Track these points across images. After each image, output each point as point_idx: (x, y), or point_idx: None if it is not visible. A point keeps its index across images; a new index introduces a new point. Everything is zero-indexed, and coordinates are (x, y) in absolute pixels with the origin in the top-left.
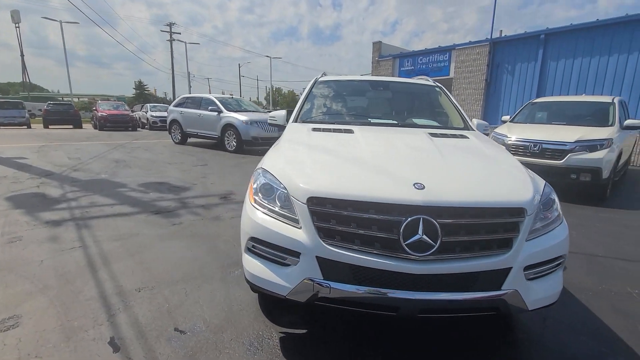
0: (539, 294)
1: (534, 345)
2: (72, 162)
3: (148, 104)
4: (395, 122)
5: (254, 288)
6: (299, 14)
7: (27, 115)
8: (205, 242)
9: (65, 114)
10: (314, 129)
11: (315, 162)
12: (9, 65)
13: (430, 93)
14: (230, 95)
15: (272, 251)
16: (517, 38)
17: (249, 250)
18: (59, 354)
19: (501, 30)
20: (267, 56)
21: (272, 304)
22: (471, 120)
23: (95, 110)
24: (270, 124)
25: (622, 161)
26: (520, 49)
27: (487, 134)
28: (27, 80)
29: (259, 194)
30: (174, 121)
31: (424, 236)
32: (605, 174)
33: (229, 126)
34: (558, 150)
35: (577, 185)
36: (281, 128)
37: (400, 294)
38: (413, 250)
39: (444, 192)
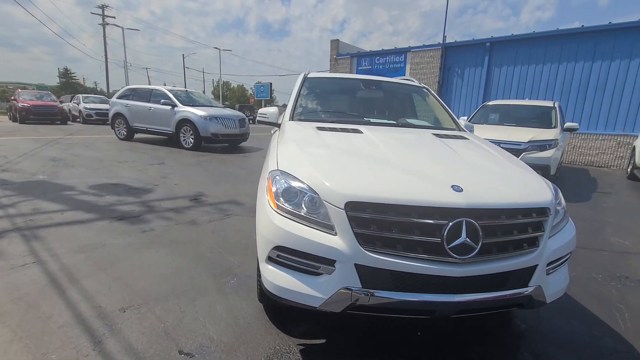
0: (555, 287)
1: (535, 334)
2: None
3: (80, 95)
4: (394, 122)
5: (276, 301)
6: (245, 6)
7: None
8: (186, 250)
9: None
10: (319, 128)
11: (342, 164)
12: None
13: (419, 94)
14: (185, 88)
15: (303, 260)
16: (466, 44)
17: (272, 260)
18: None
19: (445, 36)
20: (216, 48)
21: (281, 314)
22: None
23: (15, 100)
24: (260, 122)
25: (561, 159)
26: (468, 54)
27: None
28: None
29: (281, 199)
30: (118, 115)
31: (467, 239)
32: (553, 171)
33: (185, 122)
34: (514, 150)
35: None
36: (270, 125)
37: (439, 297)
38: (456, 253)
39: (482, 194)
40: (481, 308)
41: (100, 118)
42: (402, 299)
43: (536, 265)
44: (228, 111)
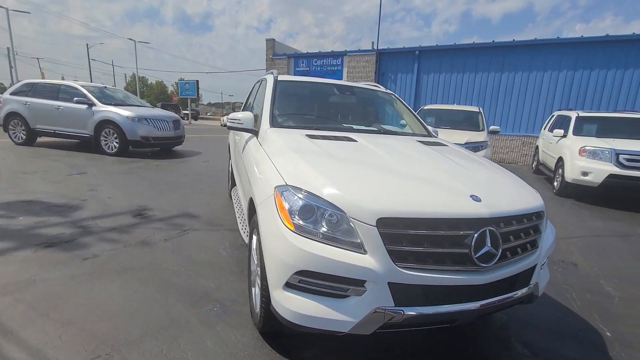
0: (543, 282)
1: (517, 323)
2: None
3: None
4: (375, 128)
5: (296, 329)
6: None
7: None
8: (148, 277)
9: None
10: (310, 136)
11: (360, 176)
12: None
13: (388, 100)
14: (103, 84)
15: (329, 283)
16: (398, 51)
17: (292, 286)
18: None
19: (373, 42)
20: (131, 39)
21: (283, 341)
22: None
23: None
24: (231, 128)
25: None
26: (400, 61)
27: None
28: None
29: (297, 217)
30: (13, 114)
31: (491, 247)
32: None
33: (107, 123)
34: None
35: None
36: (243, 132)
37: (464, 306)
38: (481, 261)
39: (498, 202)
40: (497, 310)
41: None
42: (432, 313)
43: (536, 265)
44: (159, 111)
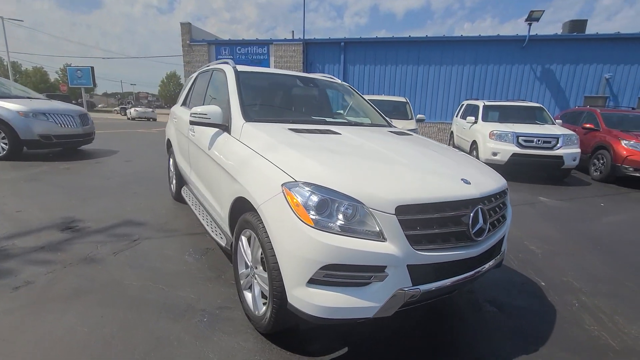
0: (505, 249)
1: (485, 287)
2: None
3: None
4: (344, 120)
5: (320, 323)
6: None
7: None
8: (109, 298)
9: None
10: (294, 130)
11: (366, 168)
12: None
13: (345, 91)
14: None
15: (353, 273)
16: (324, 42)
17: (316, 281)
18: None
19: (293, 31)
20: None
21: (290, 338)
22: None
23: None
24: (196, 123)
25: None
26: (327, 51)
27: None
28: None
29: (313, 212)
30: None
31: (483, 223)
32: None
33: None
34: None
35: None
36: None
37: (462, 276)
38: (476, 236)
39: (482, 183)
40: (480, 276)
41: None
42: (440, 286)
43: (505, 234)
44: (60, 104)
